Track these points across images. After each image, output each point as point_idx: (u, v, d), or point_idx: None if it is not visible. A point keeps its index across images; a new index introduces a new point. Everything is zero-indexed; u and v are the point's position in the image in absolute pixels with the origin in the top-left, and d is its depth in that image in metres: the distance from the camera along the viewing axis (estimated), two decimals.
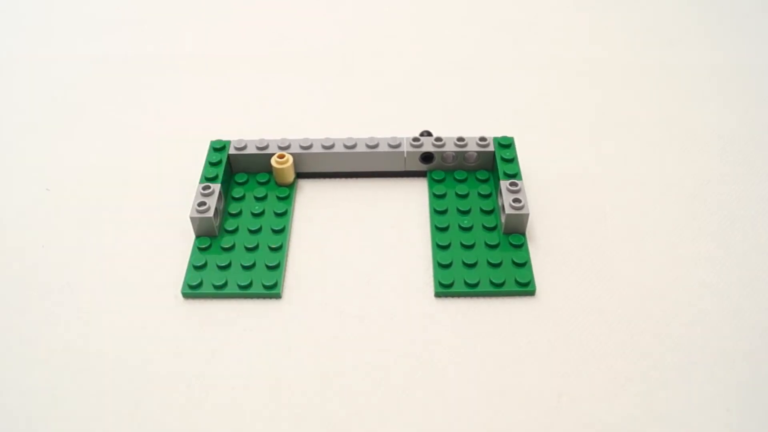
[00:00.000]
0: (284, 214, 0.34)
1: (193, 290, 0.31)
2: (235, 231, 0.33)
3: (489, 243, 0.32)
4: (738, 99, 0.43)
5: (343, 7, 0.53)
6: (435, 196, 0.35)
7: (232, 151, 0.36)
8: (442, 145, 0.36)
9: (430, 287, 0.31)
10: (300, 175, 0.37)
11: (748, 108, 0.42)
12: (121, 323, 0.30)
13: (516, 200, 0.32)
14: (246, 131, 0.40)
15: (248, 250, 0.32)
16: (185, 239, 0.33)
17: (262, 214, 0.34)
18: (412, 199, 0.36)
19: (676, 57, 0.47)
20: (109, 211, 0.36)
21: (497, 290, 0.31)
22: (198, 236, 0.33)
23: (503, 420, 0.26)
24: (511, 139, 0.36)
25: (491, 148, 0.36)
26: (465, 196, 0.35)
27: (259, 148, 0.36)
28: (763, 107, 0.42)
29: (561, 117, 0.41)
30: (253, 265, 0.32)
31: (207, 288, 0.31)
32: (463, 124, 0.38)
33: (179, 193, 0.36)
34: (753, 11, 0.52)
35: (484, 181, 0.36)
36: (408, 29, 0.50)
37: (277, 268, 0.32)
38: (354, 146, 0.36)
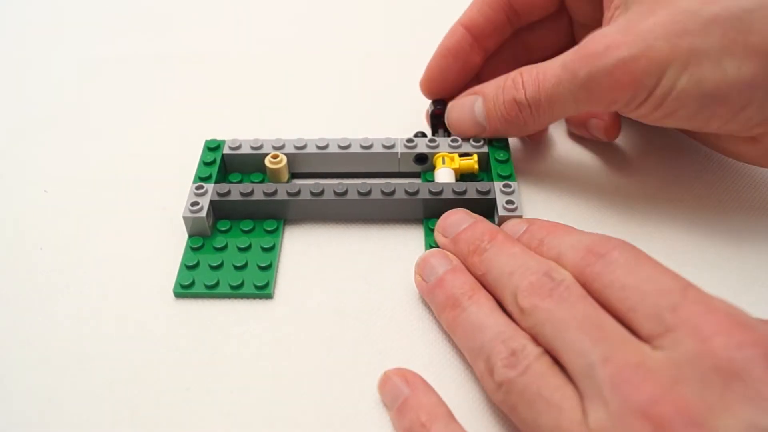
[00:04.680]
0: None
1: (184, 290, 0.31)
2: (228, 231, 0.33)
3: None
4: None
5: (339, 8, 0.53)
6: None
7: (226, 150, 0.36)
8: (436, 146, 0.36)
9: None
10: (294, 175, 0.37)
11: None
12: (115, 323, 0.30)
13: (509, 202, 0.32)
14: (242, 131, 0.40)
15: (241, 250, 0.32)
16: (180, 239, 0.33)
17: None
18: None
19: None
20: (106, 211, 0.36)
21: None
22: (191, 236, 0.33)
23: (498, 422, 0.26)
24: (506, 140, 0.36)
25: (485, 149, 0.35)
26: None
27: (253, 148, 0.36)
28: None
29: None
30: (246, 265, 0.32)
31: (199, 288, 0.31)
32: None
33: (176, 193, 0.36)
34: None
35: None
36: (404, 30, 0.50)
37: (269, 268, 0.32)
38: (348, 146, 0.36)
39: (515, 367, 0.24)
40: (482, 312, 0.26)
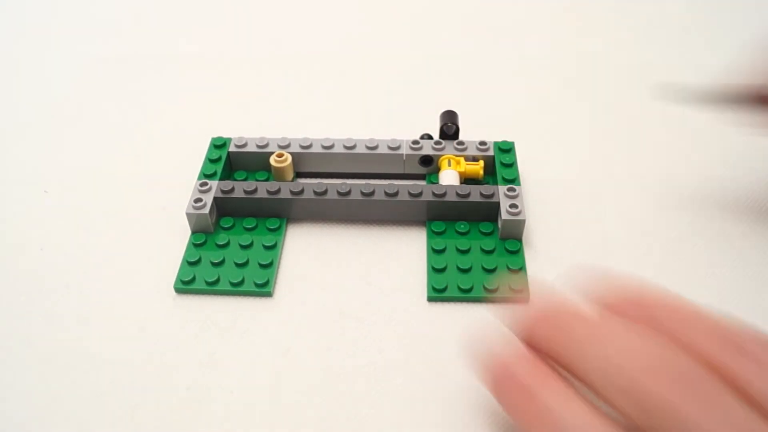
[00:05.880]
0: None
1: (185, 285, 0.31)
2: (231, 228, 0.33)
3: (485, 248, 0.32)
4: None
5: (346, 9, 0.53)
6: None
7: (232, 148, 0.36)
8: (442, 149, 0.35)
9: (423, 291, 0.31)
10: (299, 174, 0.37)
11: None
12: (115, 323, 0.30)
13: (513, 206, 0.32)
14: (249, 129, 0.40)
15: (243, 247, 0.32)
16: (183, 236, 0.34)
17: None
18: None
19: (677, 59, 0.46)
20: (108, 210, 0.36)
21: (490, 296, 0.30)
22: (194, 232, 0.33)
23: (492, 424, 0.26)
24: (512, 143, 0.36)
25: (491, 153, 0.35)
26: None
27: (259, 146, 0.36)
28: None
29: (560, 122, 0.41)
30: (246, 263, 0.32)
31: (199, 284, 0.31)
32: (463, 128, 0.37)
33: (181, 190, 0.36)
34: (755, 12, 0.51)
35: None
36: (411, 31, 0.50)
37: (270, 266, 0.32)
38: (353, 147, 0.36)
39: None
40: None
